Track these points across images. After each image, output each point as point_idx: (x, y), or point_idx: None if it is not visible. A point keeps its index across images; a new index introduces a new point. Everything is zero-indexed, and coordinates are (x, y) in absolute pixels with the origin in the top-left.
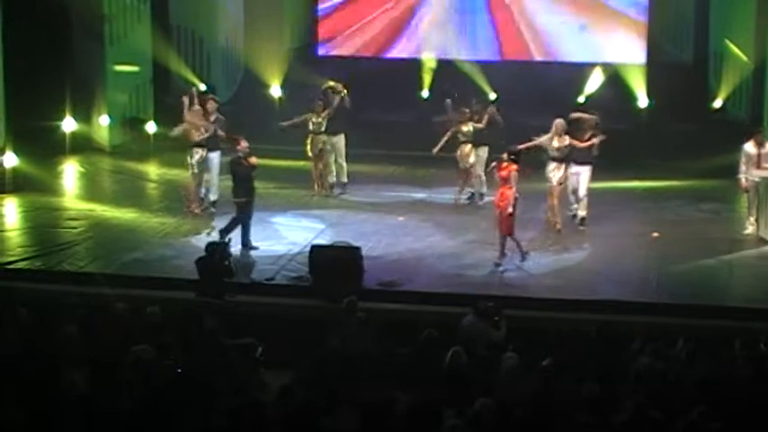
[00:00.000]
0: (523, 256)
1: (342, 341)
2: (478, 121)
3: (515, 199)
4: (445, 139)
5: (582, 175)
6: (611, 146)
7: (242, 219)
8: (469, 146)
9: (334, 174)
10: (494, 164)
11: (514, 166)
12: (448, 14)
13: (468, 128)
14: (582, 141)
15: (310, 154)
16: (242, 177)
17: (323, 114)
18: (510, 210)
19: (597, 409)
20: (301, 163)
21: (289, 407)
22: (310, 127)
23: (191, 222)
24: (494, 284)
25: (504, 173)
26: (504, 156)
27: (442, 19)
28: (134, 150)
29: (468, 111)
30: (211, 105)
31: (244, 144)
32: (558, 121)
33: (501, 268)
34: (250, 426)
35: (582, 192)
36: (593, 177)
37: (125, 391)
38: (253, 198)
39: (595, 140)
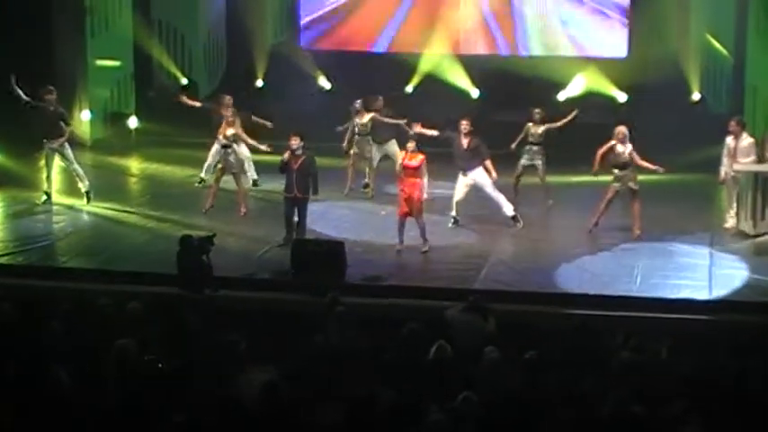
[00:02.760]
0: (425, 242)
1: (325, 336)
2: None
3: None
4: None
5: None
6: (592, 141)
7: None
8: None
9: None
10: (402, 154)
11: (422, 156)
12: (429, 8)
13: None
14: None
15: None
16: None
17: (366, 117)
18: (424, 196)
19: (579, 402)
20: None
21: (272, 402)
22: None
23: (173, 217)
24: (477, 278)
25: (413, 162)
26: (412, 145)
27: (425, 13)
28: (115, 145)
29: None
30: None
31: (294, 141)
32: (620, 129)
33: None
34: (233, 421)
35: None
36: (576, 171)
37: (109, 386)
38: (293, 194)
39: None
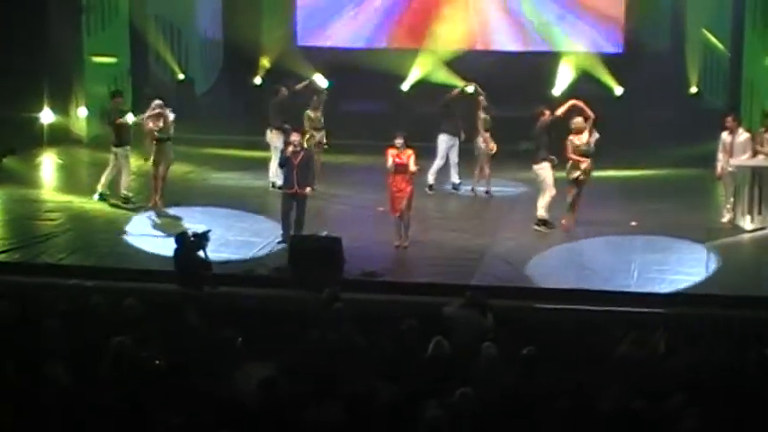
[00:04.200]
0: (407, 238)
1: (323, 332)
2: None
3: None
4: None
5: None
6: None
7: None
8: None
9: None
10: (393, 151)
11: (410, 151)
12: (425, 5)
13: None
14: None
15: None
16: (288, 170)
17: (320, 110)
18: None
19: (578, 397)
20: None
21: (270, 399)
22: (307, 124)
23: (169, 214)
24: (474, 274)
25: (403, 159)
26: (400, 141)
27: (419, 8)
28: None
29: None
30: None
31: (295, 137)
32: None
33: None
34: (231, 418)
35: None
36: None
37: (106, 383)
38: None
39: None
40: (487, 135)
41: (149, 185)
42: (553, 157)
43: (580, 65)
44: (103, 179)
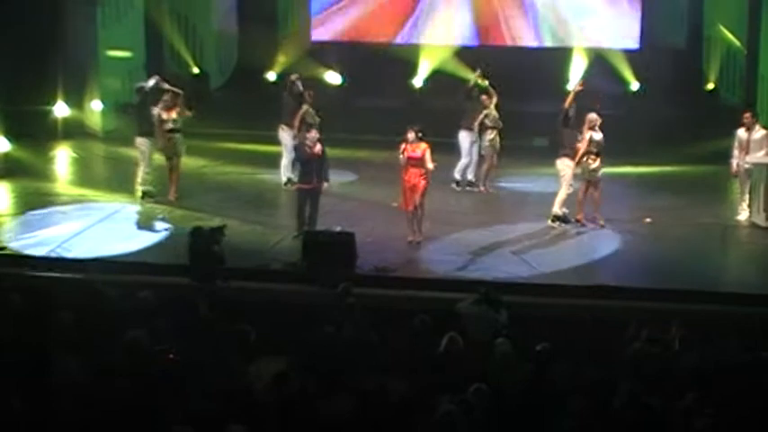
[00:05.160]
0: (420, 233)
1: (336, 327)
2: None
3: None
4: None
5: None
6: (604, 131)
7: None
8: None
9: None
10: (404, 145)
11: (425, 145)
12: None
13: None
14: None
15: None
16: (304, 163)
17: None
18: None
19: (591, 394)
20: None
21: (283, 394)
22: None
23: (184, 208)
24: (487, 269)
25: (417, 153)
26: (412, 135)
27: (435, 4)
28: (127, 136)
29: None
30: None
31: (311, 133)
32: (594, 116)
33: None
34: (244, 412)
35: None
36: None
37: (119, 377)
38: (312, 184)
39: None
40: (493, 132)
41: (164, 179)
42: (575, 147)
43: (596, 60)
44: (139, 176)
